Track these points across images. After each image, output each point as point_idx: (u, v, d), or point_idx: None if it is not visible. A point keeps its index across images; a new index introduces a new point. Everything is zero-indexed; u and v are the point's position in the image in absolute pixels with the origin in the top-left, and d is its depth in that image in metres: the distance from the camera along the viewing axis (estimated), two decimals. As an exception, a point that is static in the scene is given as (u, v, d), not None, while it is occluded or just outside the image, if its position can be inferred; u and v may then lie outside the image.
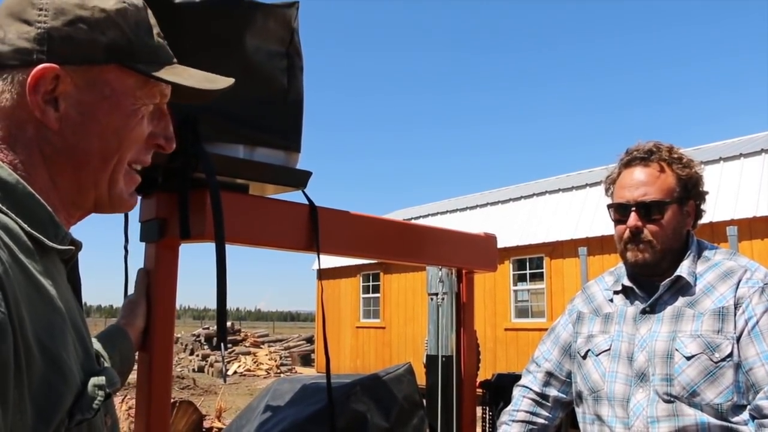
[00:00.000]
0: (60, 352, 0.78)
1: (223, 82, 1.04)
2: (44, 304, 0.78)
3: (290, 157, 1.54)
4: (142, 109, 0.94)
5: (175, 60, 1.00)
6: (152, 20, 0.97)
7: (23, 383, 0.72)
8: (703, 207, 1.99)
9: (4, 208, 0.79)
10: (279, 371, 20.76)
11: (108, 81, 0.90)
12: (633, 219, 1.89)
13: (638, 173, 1.92)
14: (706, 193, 1.98)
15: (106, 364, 1.05)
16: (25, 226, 0.81)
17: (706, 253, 1.94)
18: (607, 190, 2.05)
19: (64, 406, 0.78)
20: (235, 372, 20.52)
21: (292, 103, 1.54)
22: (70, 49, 0.87)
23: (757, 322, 1.74)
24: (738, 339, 1.75)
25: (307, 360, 23.11)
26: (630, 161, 1.96)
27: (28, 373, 0.73)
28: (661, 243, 1.88)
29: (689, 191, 1.92)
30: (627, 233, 1.91)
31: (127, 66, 0.91)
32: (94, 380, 0.84)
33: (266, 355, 22.32)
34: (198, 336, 24.00)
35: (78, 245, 0.91)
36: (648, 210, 1.88)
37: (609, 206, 2.00)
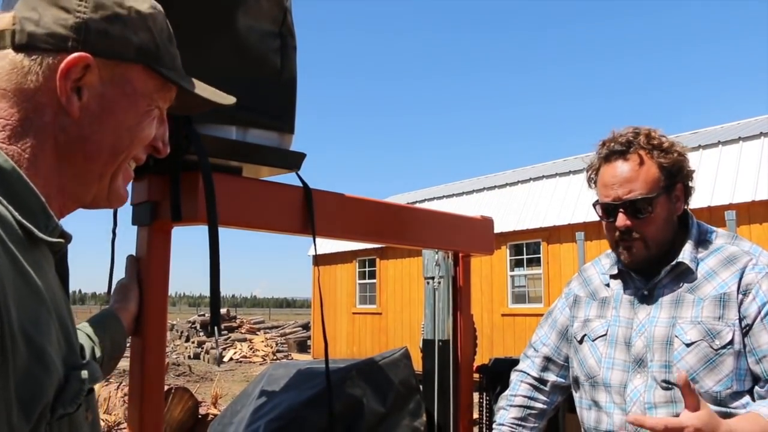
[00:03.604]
0: (44, 344, 0.77)
1: (228, 99, 1.11)
2: (31, 295, 0.78)
3: (284, 139, 1.52)
4: (155, 111, 0.98)
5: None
6: (171, 29, 1.01)
7: (9, 375, 0.71)
8: (691, 184, 1.91)
9: None
10: (275, 358, 20.79)
11: (131, 80, 0.93)
12: (621, 219, 1.83)
13: (620, 168, 1.85)
14: (693, 171, 1.90)
15: (89, 357, 1.06)
16: (17, 215, 0.80)
17: (707, 236, 1.90)
18: (589, 181, 1.98)
19: (45, 400, 0.77)
20: (231, 359, 20.57)
21: (285, 84, 1.51)
22: (104, 42, 0.90)
23: None
24: (750, 326, 1.71)
25: (303, 346, 23.16)
26: (609, 155, 1.88)
27: (13, 364, 0.72)
28: (652, 237, 1.83)
29: (674, 176, 1.85)
30: (617, 233, 1.86)
31: (153, 69, 0.95)
32: (76, 374, 0.84)
33: (262, 341, 22.36)
34: (193, 323, 24.01)
35: (68, 238, 0.91)
36: (636, 208, 1.81)
37: (594, 204, 1.94)
